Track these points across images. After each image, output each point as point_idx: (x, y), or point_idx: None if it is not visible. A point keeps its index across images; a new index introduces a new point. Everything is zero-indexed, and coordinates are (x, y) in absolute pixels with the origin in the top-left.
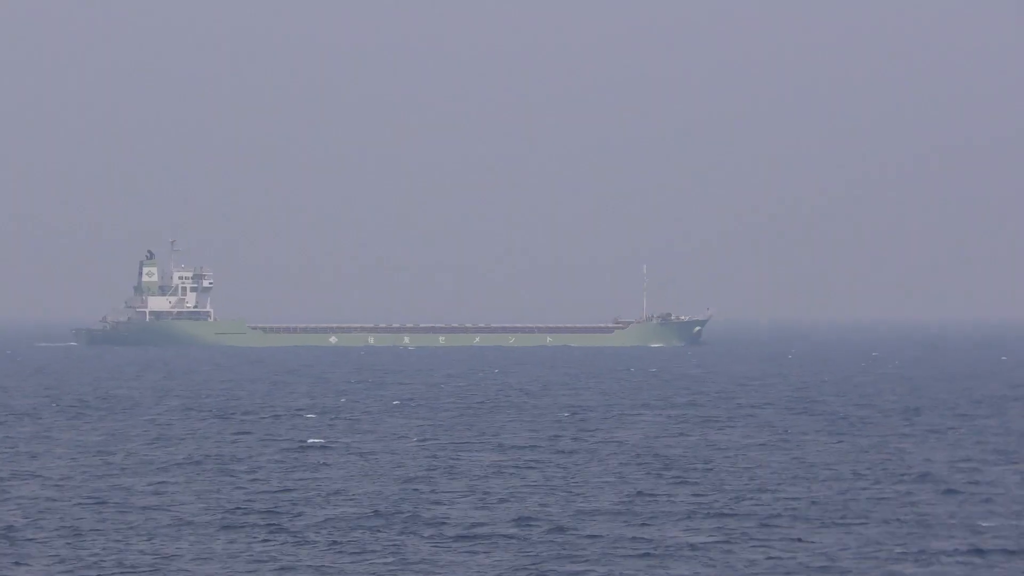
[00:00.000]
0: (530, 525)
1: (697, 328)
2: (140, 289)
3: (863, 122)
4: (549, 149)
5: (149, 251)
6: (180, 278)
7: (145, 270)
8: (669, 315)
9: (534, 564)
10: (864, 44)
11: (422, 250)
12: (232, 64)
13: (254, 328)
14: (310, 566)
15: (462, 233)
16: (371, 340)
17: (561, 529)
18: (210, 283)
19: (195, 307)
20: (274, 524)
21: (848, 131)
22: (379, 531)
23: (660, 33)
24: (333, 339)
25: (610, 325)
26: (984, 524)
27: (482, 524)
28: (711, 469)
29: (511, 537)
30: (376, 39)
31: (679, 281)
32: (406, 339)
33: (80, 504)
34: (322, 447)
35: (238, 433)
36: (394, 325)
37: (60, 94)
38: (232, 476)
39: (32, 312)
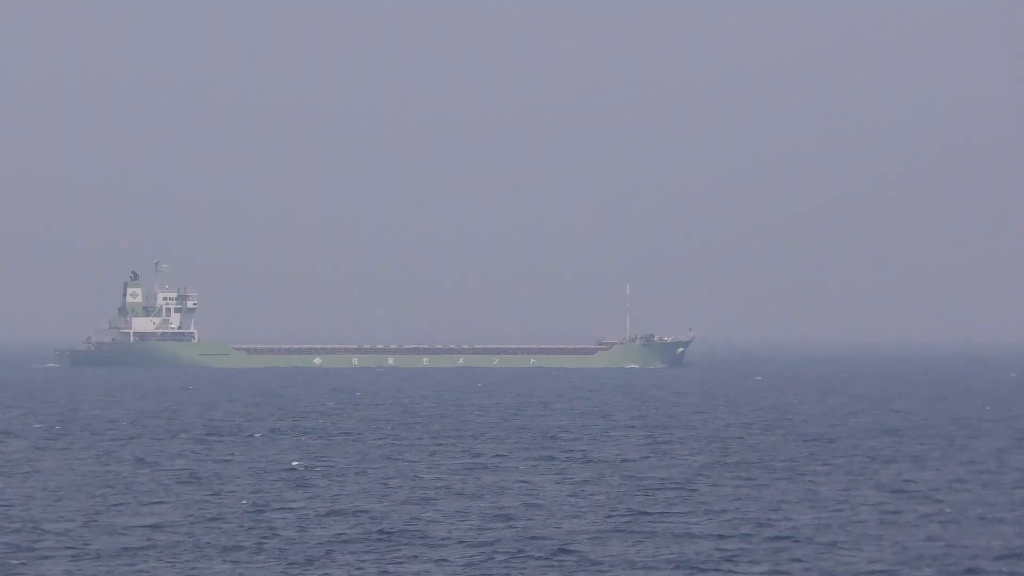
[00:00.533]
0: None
1: (680, 349)
2: (124, 310)
3: (865, 126)
4: (537, 163)
5: (133, 272)
6: (164, 299)
7: (129, 291)
8: (652, 336)
9: None
10: (863, 53)
11: (406, 270)
12: (221, 81)
13: (238, 349)
14: None
15: (446, 253)
16: (355, 361)
17: (566, 551)
18: (194, 304)
19: (179, 328)
20: (262, 544)
21: (849, 135)
22: (375, 552)
23: (648, 40)
24: (317, 360)
25: (593, 346)
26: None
27: (482, 544)
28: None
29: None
30: (370, 46)
31: (662, 299)
32: (390, 360)
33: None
34: (304, 469)
35: (222, 457)
36: (378, 346)
37: (45, 111)
38: (218, 496)
39: (14, 333)
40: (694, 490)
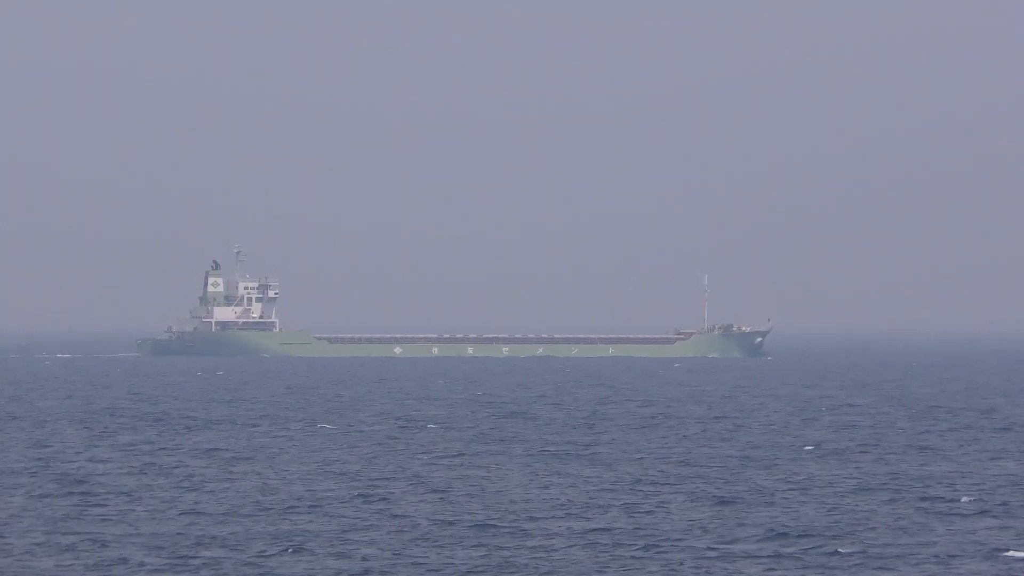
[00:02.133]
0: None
1: (759, 339)
2: (206, 299)
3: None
4: (579, 157)
5: (215, 261)
6: (246, 288)
7: (211, 280)
8: (731, 326)
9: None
10: (866, 60)
11: (484, 261)
12: (294, 80)
13: (319, 338)
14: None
15: (528, 244)
16: (435, 351)
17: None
18: (275, 293)
19: (260, 317)
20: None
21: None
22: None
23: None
24: (397, 349)
25: (671, 336)
26: None
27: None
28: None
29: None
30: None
31: (739, 291)
32: (470, 349)
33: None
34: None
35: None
36: (458, 335)
37: (124, 105)
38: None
39: (97, 323)
40: None
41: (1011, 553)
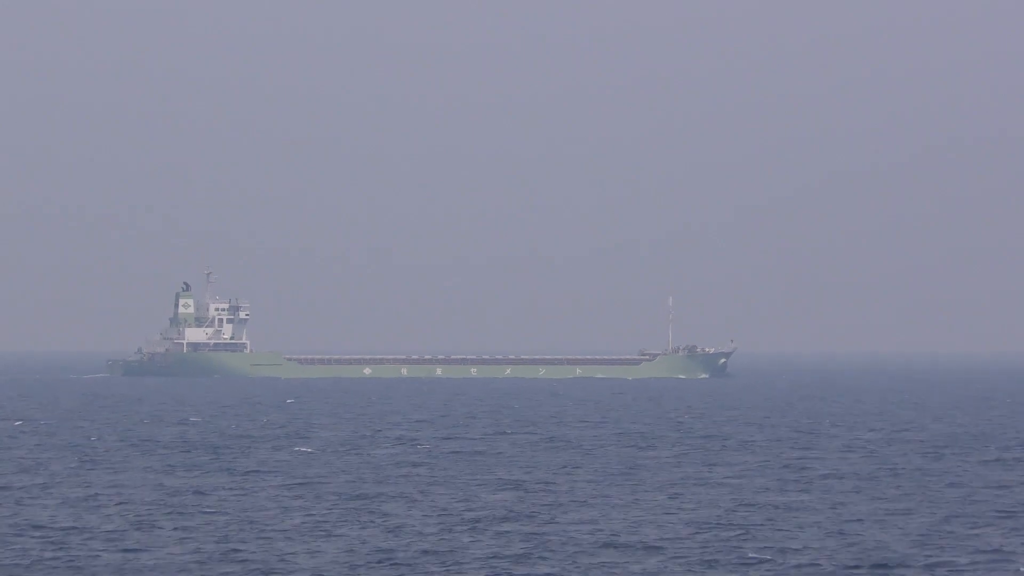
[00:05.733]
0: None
1: (723, 360)
2: (176, 320)
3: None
4: (571, 184)
5: (185, 283)
6: (216, 310)
7: (182, 301)
8: (695, 347)
9: None
10: (871, 61)
11: (450, 284)
12: (273, 102)
13: (289, 359)
14: None
15: (487, 262)
16: (404, 371)
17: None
18: (246, 315)
19: (231, 338)
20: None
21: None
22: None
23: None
24: (367, 370)
25: (637, 357)
26: None
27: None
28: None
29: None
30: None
31: (703, 313)
32: (438, 370)
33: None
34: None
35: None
36: (426, 357)
37: (100, 124)
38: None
39: (67, 344)
40: None
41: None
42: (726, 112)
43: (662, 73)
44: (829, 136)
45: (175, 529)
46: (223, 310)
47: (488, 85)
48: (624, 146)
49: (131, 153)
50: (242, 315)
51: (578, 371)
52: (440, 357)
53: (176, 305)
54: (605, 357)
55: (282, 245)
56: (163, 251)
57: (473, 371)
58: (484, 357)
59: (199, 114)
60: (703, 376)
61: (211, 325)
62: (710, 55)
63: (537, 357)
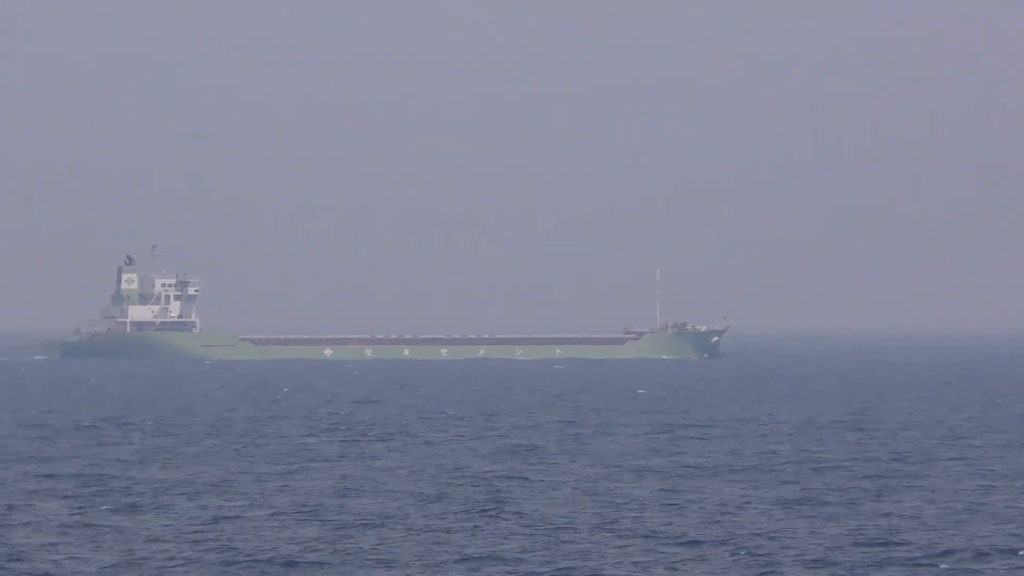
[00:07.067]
0: None
1: (715, 339)
2: (119, 298)
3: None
4: (552, 154)
5: (128, 256)
6: (163, 285)
7: (124, 277)
8: (684, 325)
9: None
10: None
11: (422, 258)
12: (228, 65)
13: (244, 339)
14: None
15: (463, 239)
16: (368, 352)
17: None
18: (196, 291)
19: (179, 317)
20: None
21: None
22: None
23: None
24: (328, 351)
25: (622, 336)
26: None
27: None
28: None
29: None
30: (370, 44)
31: (693, 288)
32: (406, 351)
33: None
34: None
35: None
36: (392, 336)
37: (33, 89)
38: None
39: (1, 324)
40: None
41: None
42: (720, 78)
43: (648, 40)
44: (825, 109)
45: None
46: (170, 286)
47: (463, 46)
48: (608, 107)
49: (72, 116)
50: (191, 291)
51: (558, 351)
52: (408, 337)
53: (118, 280)
54: (588, 336)
55: (235, 215)
56: (103, 220)
57: (444, 352)
58: (455, 336)
59: (146, 78)
60: (693, 356)
61: (157, 302)
62: (705, 19)
63: (513, 336)
